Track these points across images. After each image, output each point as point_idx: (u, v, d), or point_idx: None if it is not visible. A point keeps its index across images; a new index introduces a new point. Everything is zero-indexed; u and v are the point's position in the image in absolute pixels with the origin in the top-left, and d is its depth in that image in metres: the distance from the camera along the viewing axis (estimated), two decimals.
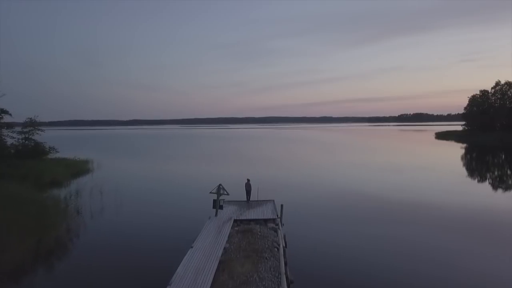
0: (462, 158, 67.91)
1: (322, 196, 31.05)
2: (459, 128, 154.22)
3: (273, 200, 24.35)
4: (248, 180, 24.66)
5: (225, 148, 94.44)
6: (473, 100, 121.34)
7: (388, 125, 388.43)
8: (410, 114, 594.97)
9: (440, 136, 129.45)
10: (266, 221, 20.48)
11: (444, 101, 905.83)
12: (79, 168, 48.91)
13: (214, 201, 21.03)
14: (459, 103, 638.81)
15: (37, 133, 52.13)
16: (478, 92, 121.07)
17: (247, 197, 24.37)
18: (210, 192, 21.23)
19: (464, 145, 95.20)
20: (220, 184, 21.04)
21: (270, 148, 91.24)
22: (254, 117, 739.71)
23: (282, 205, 20.76)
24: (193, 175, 44.26)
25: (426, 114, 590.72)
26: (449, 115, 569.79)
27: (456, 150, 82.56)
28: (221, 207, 21.02)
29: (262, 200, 24.51)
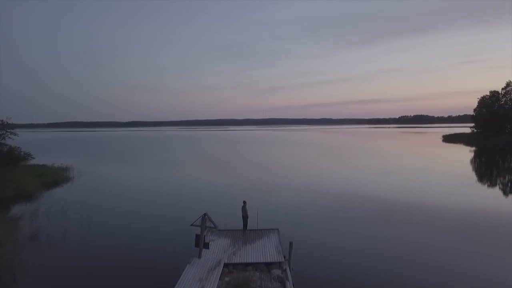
0: (476, 161, 62.75)
1: (341, 219, 24.44)
2: (462, 130, 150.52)
3: (278, 230, 18.67)
4: (245, 202, 18.99)
5: (221, 153, 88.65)
6: (483, 101, 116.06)
7: (389, 127, 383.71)
8: (410, 115, 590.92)
9: (448, 138, 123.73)
10: (269, 265, 14.77)
11: (444, 103, 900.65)
12: (54, 177, 43.04)
13: (197, 236, 15.33)
14: (460, 105, 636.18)
15: (9, 137, 46.33)
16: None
17: (243, 225, 18.73)
18: (192, 225, 15.51)
19: (474, 148, 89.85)
20: (205, 214, 15.34)
21: (271, 153, 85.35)
22: (254, 119, 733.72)
23: (291, 243, 15.01)
24: (179, 191, 36.42)
25: (427, 115, 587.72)
26: (450, 116, 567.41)
27: (469, 153, 77.17)
28: (206, 246, 15.30)
29: (264, 230, 18.80)
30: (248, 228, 18.71)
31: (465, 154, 78.17)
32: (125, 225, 23.59)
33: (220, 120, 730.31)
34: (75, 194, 35.35)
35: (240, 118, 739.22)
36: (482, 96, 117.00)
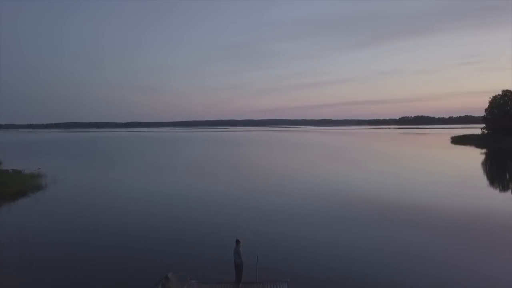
0: (492, 164, 56.98)
1: (384, 261, 16.56)
2: (465, 131, 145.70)
3: (287, 282, 12.46)
4: (238, 242, 12.77)
5: (217, 157, 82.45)
6: (494, 101, 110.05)
7: (389, 128, 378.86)
8: (411, 116, 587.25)
9: (457, 140, 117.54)
10: None
11: (444, 104, 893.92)
12: (20, 186, 36.73)
13: None
14: (460, 106, 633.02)
15: None
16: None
17: (236, 276, 12.55)
18: None
19: (488, 150, 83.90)
20: (167, 277, 9.14)
21: (272, 158, 79.01)
22: (254, 120, 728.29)
23: None
24: (152, 216, 25.62)
25: (428, 116, 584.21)
26: (450, 117, 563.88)
27: (485, 156, 71.26)
28: None
29: (267, 282, 12.56)
30: (243, 280, 12.50)
31: (480, 156, 72.40)
32: (78, 257, 17.17)
33: (220, 121, 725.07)
34: (37, 210, 29.17)
35: (240, 118, 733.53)
36: (493, 95, 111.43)
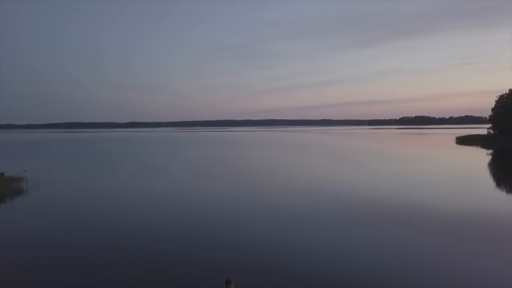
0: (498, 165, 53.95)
1: None
2: (467, 131, 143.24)
3: None
4: (229, 283, 9.58)
5: (213, 159, 79.27)
6: (501, 100, 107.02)
7: (390, 128, 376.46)
8: (411, 116, 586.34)
9: (462, 140, 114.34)
10: None
11: (444, 104, 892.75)
12: None
13: None
14: (460, 106, 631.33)
15: None
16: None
17: None
18: None
19: (492, 151, 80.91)
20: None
21: (272, 159, 75.78)
22: (254, 120, 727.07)
23: None
24: (144, 217, 24.96)
25: (428, 116, 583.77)
26: (451, 117, 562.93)
27: (491, 157, 68.12)
28: None
29: None
30: None
31: (488, 157, 69.23)
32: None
33: (220, 121, 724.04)
34: (7, 218, 25.89)
35: (240, 119, 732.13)
36: (500, 94, 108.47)
